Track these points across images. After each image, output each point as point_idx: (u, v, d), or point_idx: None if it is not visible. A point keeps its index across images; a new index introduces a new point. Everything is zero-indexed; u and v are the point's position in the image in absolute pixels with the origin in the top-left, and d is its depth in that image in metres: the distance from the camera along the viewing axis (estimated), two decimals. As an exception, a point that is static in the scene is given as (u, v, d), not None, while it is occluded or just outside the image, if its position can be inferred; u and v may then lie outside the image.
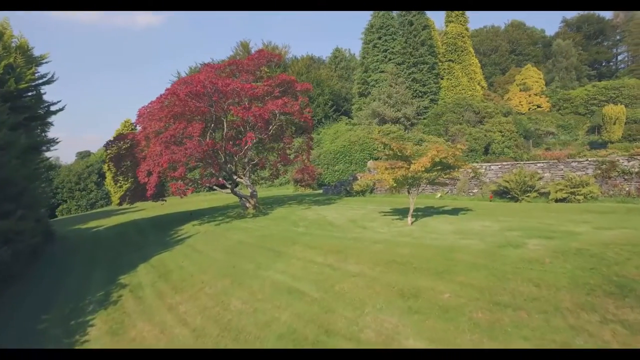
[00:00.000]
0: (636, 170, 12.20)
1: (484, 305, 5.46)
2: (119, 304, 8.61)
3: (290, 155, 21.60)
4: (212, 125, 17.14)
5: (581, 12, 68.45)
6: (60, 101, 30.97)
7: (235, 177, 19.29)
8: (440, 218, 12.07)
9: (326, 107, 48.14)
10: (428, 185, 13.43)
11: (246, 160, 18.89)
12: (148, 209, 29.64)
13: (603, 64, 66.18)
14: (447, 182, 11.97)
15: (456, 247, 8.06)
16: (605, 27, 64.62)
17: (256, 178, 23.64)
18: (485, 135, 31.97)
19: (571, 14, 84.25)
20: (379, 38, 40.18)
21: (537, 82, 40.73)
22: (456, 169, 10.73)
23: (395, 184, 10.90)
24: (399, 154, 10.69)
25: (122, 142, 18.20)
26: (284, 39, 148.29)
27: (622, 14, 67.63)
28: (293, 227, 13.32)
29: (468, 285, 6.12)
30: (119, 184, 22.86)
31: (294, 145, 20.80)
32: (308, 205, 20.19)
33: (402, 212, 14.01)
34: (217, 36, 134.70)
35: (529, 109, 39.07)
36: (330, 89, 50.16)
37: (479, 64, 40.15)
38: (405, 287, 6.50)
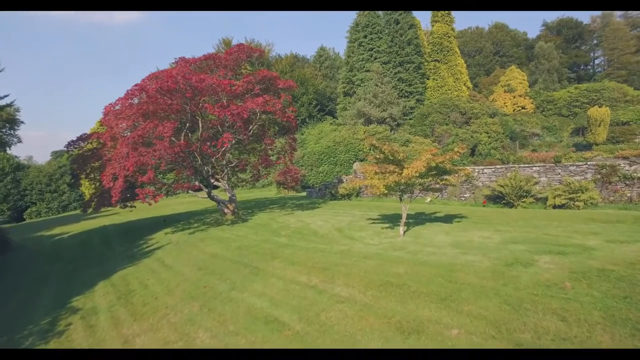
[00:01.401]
0: (638, 175, 11.60)
1: (503, 346, 4.47)
2: (64, 336, 7.26)
3: (272, 156, 20.40)
4: (188, 125, 15.80)
5: (561, 16, 69.74)
6: (7, 95, 28.83)
7: (212, 180, 17.97)
8: (434, 227, 11.14)
9: (310, 107, 47.04)
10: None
11: (224, 162, 17.60)
12: (121, 213, 27.86)
13: (582, 67, 67.49)
14: (442, 187, 11.14)
15: (457, 265, 7.09)
16: (583, 32, 65.92)
17: (236, 180, 22.33)
18: (471, 137, 31.50)
19: (551, 18, 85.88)
20: (365, 37, 39.35)
21: (521, 83, 40.73)
22: (453, 174, 9.81)
23: (386, 191, 9.89)
24: (391, 158, 9.69)
25: (85, 143, 16.60)
26: (268, 37, 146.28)
27: (598, 20, 69.25)
28: (274, 237, 12.16)
29: (479, 317, 5.13)
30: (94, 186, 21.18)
31: (276, 146, 19.60)
32: (291, 210, 19.05)
33: (391, 219, 13.05)
34: (200, 35, 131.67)
35: (513, 110, 38.99)
36: (314, 88, 49.09)
37: (464, 65, 39.84)
38: (404, 319, 5.47)
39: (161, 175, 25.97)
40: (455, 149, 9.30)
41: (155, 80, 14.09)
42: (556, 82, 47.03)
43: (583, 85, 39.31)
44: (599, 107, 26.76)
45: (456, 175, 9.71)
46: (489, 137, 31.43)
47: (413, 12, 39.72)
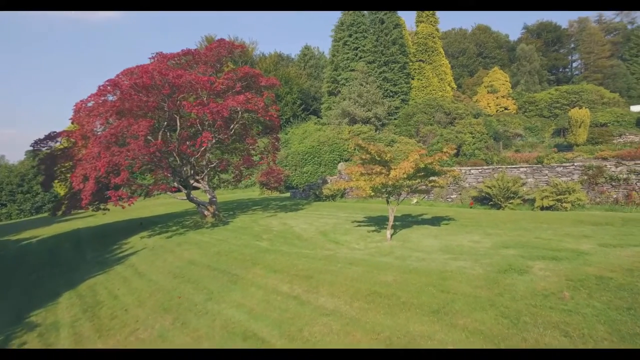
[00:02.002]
0: (624, 176, 11.57)
1: (503, 366, 4.07)
2: (18, 357, 6.53)
3: (254, 157, 19.77)
4: (166, 123, 15.03)
5: (540, 20, 71.25)
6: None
7: (192, 181, 17.22)
8: (421, 230, 10.80)
9: (294, 106, 46.46)
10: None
11: (204, 162, 16.88)
12: (97, 216, 26.55)
13: (560, 70, 69.19)
14: (429, 189, 10.84)
15: (448, 272, 6.72)
16: (561, 35, 67.55)
17: (217, 181, 21.58)
18: (456, 137, 31.57)
19: (532, 21, 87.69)
20: (350, 36, 39.02)
21: (503, 84, 41.21)
22: (441, 176, 9.47)
23: (373, 193, 9.48)
24: (378, 159, 9.27)
25: (55, 142, 15.61)
26: (253, 36, 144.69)
27: (576, 24, 71.14)
28: (255, 241, 11.60)
29: (475, 332, 4.73)
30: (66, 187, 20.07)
31: (258, 146, 18.98)
32: (274, 211, 18.50)
33: (377, 222, 12.68)
34: (183, 34, 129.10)
35: (496, 111, 39.39)
36: (299, 87, 48.52)
37: (449, 65, 40.01)
38: (394, 334, 5.03)
39: (140, 175, 24.95)
40: (444, 150, 8.97)
41: (129, 76, 13.29)
42: (537, 84, 47.89)
43: (563, 87, 40.06)
44: (580, 108, 27.15)
45: (444, 176, 9.37)
46: (473, 137, 31.56)
47: (398, 12, 39.65)
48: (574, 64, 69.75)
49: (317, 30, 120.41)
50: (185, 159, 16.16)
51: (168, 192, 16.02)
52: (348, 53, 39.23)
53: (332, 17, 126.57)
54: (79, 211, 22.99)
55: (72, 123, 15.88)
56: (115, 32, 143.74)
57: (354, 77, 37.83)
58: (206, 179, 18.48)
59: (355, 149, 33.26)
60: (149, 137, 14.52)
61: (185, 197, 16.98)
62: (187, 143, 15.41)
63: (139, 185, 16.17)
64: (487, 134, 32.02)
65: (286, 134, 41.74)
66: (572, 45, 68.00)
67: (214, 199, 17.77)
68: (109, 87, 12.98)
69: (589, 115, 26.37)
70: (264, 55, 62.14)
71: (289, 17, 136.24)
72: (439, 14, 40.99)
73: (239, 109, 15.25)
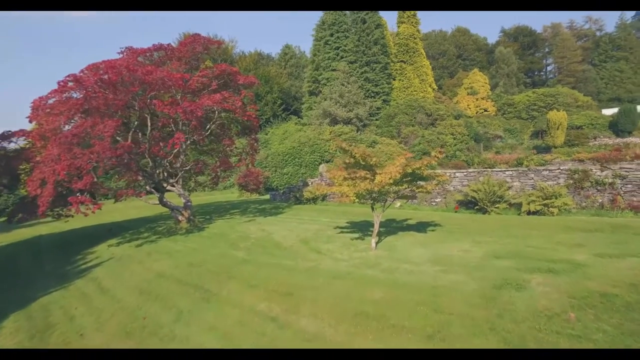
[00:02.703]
0: (609, 180, 11.47)
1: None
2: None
3: (232, 158, 18.91)
4: (137, 123, 13.99)
5: (517, 24, 72.96)
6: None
7: (165, 184, 16.23)
8: (407, 237, 10.31)
9: (275, 106, 45.56)
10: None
11: (178, 165, 15.91)
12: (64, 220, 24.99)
13: (536, 73, 71.04)
14: (417, 195, 10.42)
15: (441, 288, 6.20)
16: (537, 40, 69.36)
17: (194, 184, 20.57)
18: (437, 138, 31.56)
19: (508, 25, 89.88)
20: (331, 35, 38.51)
21: (483, 86, 41.69)
22: (430, 181, 8.99)
23: (357, 199, 8.90)
24: (362, 163, 8.70)
25: (8, 142, 14.30)
26: (233, 34, 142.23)
27: (549, 29, 73.28)
28: (231, 251, 10.83)
29: (476, 363, 4.20)
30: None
31: (236, 147, 18.14)
32: (252, 215, 17.71)
33: (361, 228, 12.14)
34: (162, 32, 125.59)
35: (476, 112, 39.78)
36: (279, 87, 47.65)
37: (429, 66, 40.10)
38: (385, 366, 4.44)
39: (115, 177, 23.48)
40: (433, 154, 8.49)
41: (95, 71, 12.23)
42: (515, 86, 48.82)
43: (540, 90, 40.90)
44: (558, 111, 27.59)
45: (432, 182, 8.90)
46: (454, 138, 31.64)
47: (380, 12, 39.46)
48: (549, 68, 71.84)
49: (298, 29, 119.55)
50: (157, 161, 15.17)
51: (139, 197, 14.95)
52: (329, 52, 38.72)
53: (313, 16, 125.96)
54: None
55: (31, 122, 14.62)
56: (85, 30, 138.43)
57: (335, 77, 37.35)
58: (180, 182, 17.51)
59: (336, 149, 32.82)
60: (118, 138, 13.51)
61: (158, 202, 15.96)
62: (161, 144, 14.44)
63: (107, 189, 15.05)
64: (468, 136, 32.18)
65: (266, 134, 40.87)
66: (547, 50, 70.00)
67: (189, 203, 16.82)
68: (70, 84, 11.88)
69: (566, 118, 26.82)
70: (244, 54, 60.91)
71: (270, 16, 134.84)
72: (420, 14, 41.09)
73: (215, 108, 14.40)
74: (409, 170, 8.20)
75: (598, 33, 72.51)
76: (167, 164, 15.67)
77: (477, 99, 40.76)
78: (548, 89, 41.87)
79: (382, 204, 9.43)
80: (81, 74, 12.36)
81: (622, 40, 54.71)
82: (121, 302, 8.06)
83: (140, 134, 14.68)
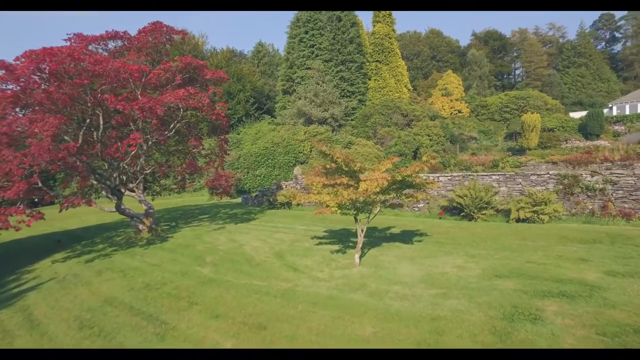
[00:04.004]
0: (600, 186, 11.05)
1: None
2: None
3: (200, 160, 17.43)
4: (89, 121, 12.29)
5: (487, 28, 74.85)
6: None
7: (123, 190, 14.59)
8: (393, 249, 9.39)
9: (247, 105, 43.93)
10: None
11: (137, 168, 14.31)
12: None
13: (505, 76, 73.09)
14: (403, 203, 9.52)
15: (442, 320, 5.26)
16: (506, 44, 71.38)
17: (159, 188, 18.88)
18: (414, 139, 31.19)
19: (479, 29, 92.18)
20: (306, 32, 37.43)
21: (457, 88, 41.92)
22: (419, 189, 8.09)
23: (339, 210, 7.85)
24: (345, 169, 7.67)
25: None
26: (203, 29, 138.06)
27: (517, 35, 75.68)
28: (196, 267, 9.52)
29: None
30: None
31: (204, 148, 16.70)
32: (222, 222, 16.36)
33: (341, 238, 11.13)
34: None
35: (451, 114, 39.90)
36: (252, 85, 46.04)
37: (405, 67, 39.83)
38: None
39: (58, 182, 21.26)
40: (424, 158, 7.59)
41: (32, 59, 10.48)
42: (487, 88, 49.58)
43: (512, 93, 41.58)
44: (532, 113, 27.81)
45: (423, 190, 8.01)
46: (430, 139, 31.38)
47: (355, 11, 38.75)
48: (517, 72, 74.10)
49: (272, 27, 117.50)
50: (114, 164, 13.52)
51: (89, 205, 13.23)
52: (304, 50, 37.63)
53: (288, 13, 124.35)
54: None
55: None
56: (54, 25, 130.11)
57: (310, 75, 36.30)
58: (141, 187, 15.91)
59: (311, 150, 31.75)
60: (66, 137, 11.81)
61: (115, 209, 14.28)
62: (118, 145, 12.81)
63: (54, 196, 13.24)
64: (444, 137, 32.02)
65: (238, 134, 39.24)
66: (515, 54, 72.18)
67: (151, 210, 15.24)
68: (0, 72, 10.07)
69: (540, 120, 27.06)
70: (215, 51, 58.73)
71: (243, 13, 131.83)
72: (395, 14, 40.73)
73: (180, 105, 12.95)
74: (399, 178, 7.24)
75: (561, 40, 75.73)
76: (126, 166, 14.05)
77: (451, 100, 40.93)
78: (519, 91, 42.68)
79: (367, 214, 8.44)
80: (16, 62, 10.57)
81: (582, 48, 57.05)
82: (53, 340, 6.59)
83: (96, 134, 12.98)
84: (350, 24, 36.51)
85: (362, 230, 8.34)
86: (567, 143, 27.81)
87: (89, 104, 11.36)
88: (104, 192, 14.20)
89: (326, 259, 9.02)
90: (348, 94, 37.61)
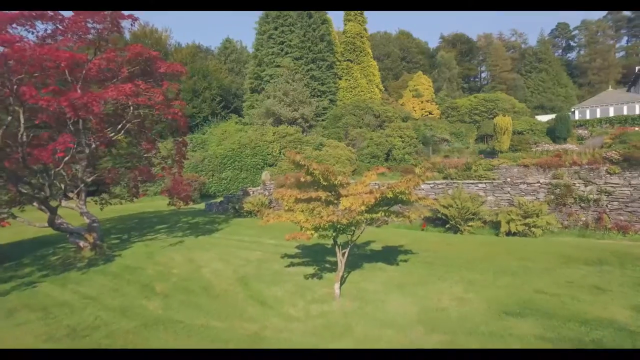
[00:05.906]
0: (594, 197, 10.38)
1: None
2: None
3: (155, 166, 15.42)
4: (10, 118, 10.13)
5: (454, 31, 76.33)
6: None
7: (61, 200, 12.44)
8: (377, 273, 8.12)
9: (213, 103, 41.54)
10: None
11: (80, 175, 12.21)
12: None
13: (472, 79, 74.76)
14: (389, 220, 8.39)
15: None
16: (473, 47, 72.99)
17: (107, 197, 16.61)
18: (386, 141, 30.40)
19: (447, 32, 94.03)
20: (275, 29, 35.75)
21: (427, 89, 41.79)
22: (411, 205, 6.85)
23: (316, 233, 6.45)
24: (324, 183, 6.28)
25: None
26: (166, 23, 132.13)
27: (483, 39, 77.75)
28: (141, 301, 7.79)
29: None
30: None
31: (160, 152, 14.77)
32: (181, 235, 14.55)
33: (315, 256, 9.75)
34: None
35: (422, 115, 39.64)
36: (218, 83, 43.66)
37: (376, 67, 39.12)
38: None
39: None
40: (417, 171, 6.38)
41: None
42: (456, 90, 50.04)
43: (481, 95, 42.00)
44: (503, 116, 27.76)
45: (416, 209, 6.77)
46: (402, 141, 30.70)
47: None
48: (483, 75, 76.05)
49: (239, 22, 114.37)
50: (45, 171, 11.38)
51: (11, 219, 11.03)
52: (273, 47, 35.95)
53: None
54: None
55: None
56: None
57: (279, 73, 34.68)
58: (83, 197, 13.70)
59: (280, 151, 30.19)
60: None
61: (47, 224, 12.09)
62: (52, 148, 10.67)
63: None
64: (416, 139, 31.47)
65: (204, 134, 36.92)
66: (481, 58, 74.01)
67: (95, 224, 13.11)
68: None
69: (511, 123, 27.03)
70: (180, 46, 55.61)
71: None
72: (366, 14, 39.90)
73: (130, 103, 11.05)
74: (389, 195, 5.94)
75: (523, 46, 78.57)
76: (63, 173, 11.90)
77: (422, 102, 40.71)
78: (488, 94, 43.20)
79: (350, 234, 7.10)
80: None
81: (543, 54, 59.17)
82: None
83: (20, 135, 10.78)
84: (321, 21, 35.26)
85: (343, 255, 6.99)
86: (537, 146, 28.03)
87: (11, 100, 9.28)
88: (35, 204, 11.99)
89: (300, 288, 7.60)
90: (319, 94, 36.36)
